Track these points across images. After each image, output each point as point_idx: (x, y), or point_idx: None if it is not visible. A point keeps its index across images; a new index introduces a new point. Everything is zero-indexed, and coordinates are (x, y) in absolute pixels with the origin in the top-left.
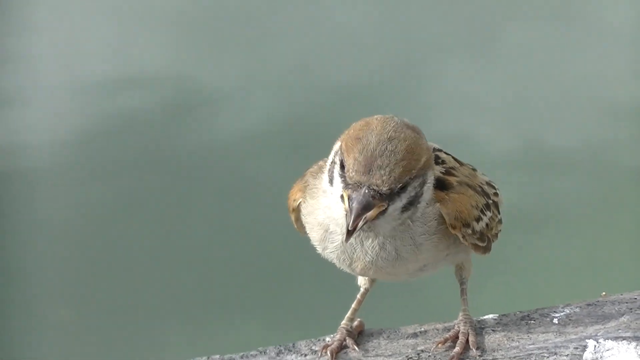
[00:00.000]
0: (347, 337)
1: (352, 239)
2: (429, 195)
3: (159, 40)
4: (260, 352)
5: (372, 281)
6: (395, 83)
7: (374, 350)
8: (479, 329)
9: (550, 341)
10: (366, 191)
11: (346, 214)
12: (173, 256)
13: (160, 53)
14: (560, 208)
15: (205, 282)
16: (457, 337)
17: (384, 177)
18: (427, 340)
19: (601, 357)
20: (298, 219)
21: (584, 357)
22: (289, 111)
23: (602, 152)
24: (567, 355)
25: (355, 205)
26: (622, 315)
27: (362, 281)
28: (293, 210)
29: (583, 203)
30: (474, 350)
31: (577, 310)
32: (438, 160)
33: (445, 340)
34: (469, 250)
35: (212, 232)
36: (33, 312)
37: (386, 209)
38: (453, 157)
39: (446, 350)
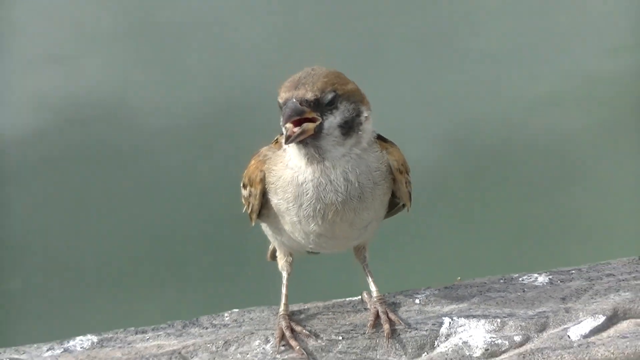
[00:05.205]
0: (290, 322)
1: (318, 176)
2: (369, 128)
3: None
4: (169, 325)
5: (291, 264)
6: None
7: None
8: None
9: (412, 318)
10: (294, 100)
11: (285, 132)
12: (96, 235)
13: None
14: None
15: (126, 262)
16: (378, 316)
17: (308, 87)
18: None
19: (455, 332)
20: (263, 192)
21: (440, 332)
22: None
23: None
24: (426, 330)
25: (286, 111)
26: (474, 297)
27: (283, 265)
28: (260, 180)
29: (442, 199)
30: (401, 324)
31: (436, 292)
32: None
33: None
34: (379, 221)
35: (129, 217)
36: None
37: (322, 124)
38: None
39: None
